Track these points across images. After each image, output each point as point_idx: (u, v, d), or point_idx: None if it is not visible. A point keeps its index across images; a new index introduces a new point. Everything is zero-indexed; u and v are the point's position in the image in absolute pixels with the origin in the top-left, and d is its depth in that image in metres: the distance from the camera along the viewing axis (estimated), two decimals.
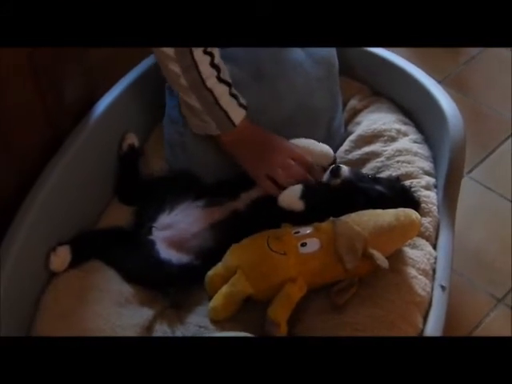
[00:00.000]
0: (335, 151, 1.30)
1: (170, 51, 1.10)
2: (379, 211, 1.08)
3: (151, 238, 1.16)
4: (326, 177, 1.16)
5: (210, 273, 1.10)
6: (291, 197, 1.12)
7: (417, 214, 1.09)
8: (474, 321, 1.33)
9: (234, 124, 1.17)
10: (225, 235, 1.14)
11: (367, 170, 1.25)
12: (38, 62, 1.11)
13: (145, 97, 1.32)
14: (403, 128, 1.31)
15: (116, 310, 1.08)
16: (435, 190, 1.21)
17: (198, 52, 1.10)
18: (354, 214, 1.08)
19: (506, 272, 1.40)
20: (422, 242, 1.14)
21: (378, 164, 1.25)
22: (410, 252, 1.11)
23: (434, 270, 1.11)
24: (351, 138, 1.32)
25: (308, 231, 1.07)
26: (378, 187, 1.13)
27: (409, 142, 1.28)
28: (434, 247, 1.14)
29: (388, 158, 1.25)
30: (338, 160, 1.29)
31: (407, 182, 1.20)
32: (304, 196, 1.11)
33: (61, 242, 1.13)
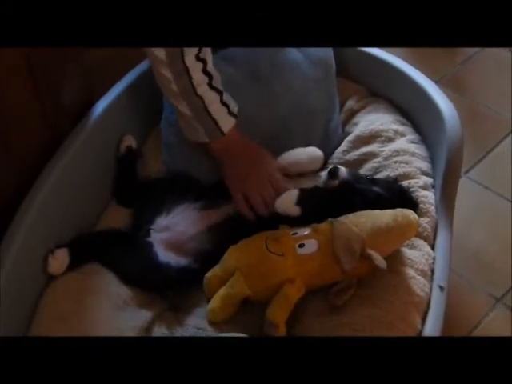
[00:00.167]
0: (332, 152, 1.31)
1: (162, 56, 1.10)
2: (377, 212, 1.08)
3: (149, 240, 1.16)
4: (323, 178, 1.16)
5: (208, 274, 1.10)
6: (287, 202, 1.12)
7: (415, 214, 1.10)
8: (473, 321, 1.33)
9: (222, 132, 1.17)
10: (222, 237, 1.14)
11: (365, 170, 1.26)
12: (36, 64, 1.11)
13: (143, 99, 1.32)
14: (400, 128, 1.31)
15: (114, 313, 1.08)
16: (433, 190, 1.21)
17: (190, 58, 1.10)
18: (351, 215, 1.08)
19: (505, 272, 1.40)
20: (420, 242, 1.14)
21: (376, 164, 1.25)
22: (408, 252, 1.11)
23: (432, 271, 1.11)
24: (348, 138, 1.32)
25: (306, 232, 1.07)
26: (376, 188, 1.13)
27: (406, 142, 1.28)
28: (433, 247, 1.14)
29: (385, 159, 1.25)
30: (335, 161, 1.29)
31: (405, 183, 1.20)
32: (300, 202, 1.11)
33: (59, 244, 1.13)
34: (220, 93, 1.16)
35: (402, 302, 1.05)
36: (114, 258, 1.15)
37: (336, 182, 1.14)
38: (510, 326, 1.32)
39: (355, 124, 1.35)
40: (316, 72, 1.30)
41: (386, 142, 1.28)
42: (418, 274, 1.09)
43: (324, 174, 1.16)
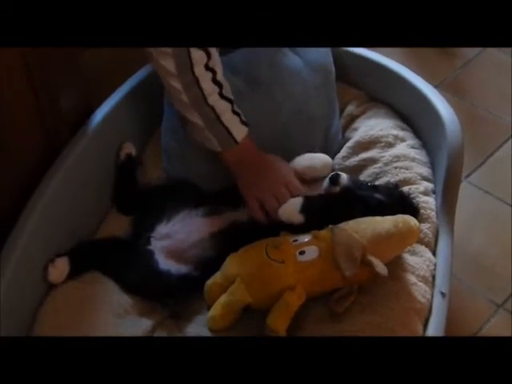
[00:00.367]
0: (332, 158, 1.30)
1: (171, 67, 1.09)
2: (378, 218, 1.08)
3: (150, 248, 1.15)
4: (325, 184, 1.15)
5: (209, 282, 1.10)
6: (291, 210, 1.12)
7: (415, 220, 1.09)
8: (474, 326, 1.32)
9: (236, 141, 1.17)
10: (225, 245, 1.14)
11: (365, 176, 1.25)
12: (35, 73, 1.11)
13: (142, 106, 1.32)
14: (400, 134, 1.31)
15: (115, 322, 1.08)
16: (433, 195, 1.21)
17: (199, 68, 1.10)
18: (352, 222, 1.08)
19: (506, 277, 1.39)
20: (421, 248, 1.13)
21: (376, 170, 1.25)
22: (409, 259, 1.11)
23: (433, 277, 1.10)
24: (348, 144, 1.31)
25: (306, 239, 1.07)
26: (377, 195, 1.13)
27: (406, 147, 1.28)
28: (434, 253, 1.14)
29: (386, 164, 1.25)
30: (335, 167, 1.29)
31: (405, 188, 1.20)
32: (304, 209, 1.11)
33: (59, 252, 1.13)
34: (231, 102, 1.16)
35: (404, 309, 1.04)
36: (114, 266, 1.14)
37: (337, 189, 1.14)
38: (511, 331, 1.31)
39: (355, 129, 1.35)
40: (316, 78, 1.30)
41: (386, 148, 1.28)
42: (420, 281, 1.08)
43: (325, 180, 1.16)
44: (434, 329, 1.04)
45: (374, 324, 1.03)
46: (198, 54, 1.09)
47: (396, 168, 1.24)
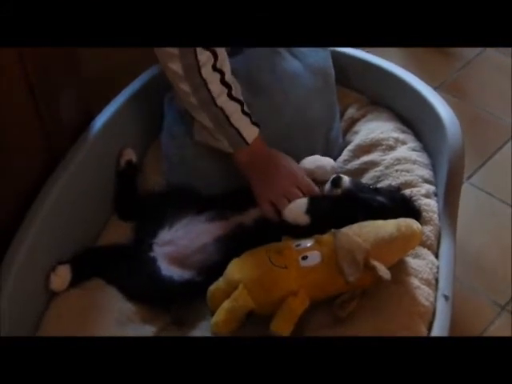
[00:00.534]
0: (334, 161, 1.30)
1: (178, 70, 1.09)
2: (380, 222, 1.08)
3: (152, 254, 1.15)
4: (327, 187, 1.15)
5: (212, 287, 1.10)
6: (297, 211, 1.12)
7: (418, 224, 1.09)
8: (478, 329, 1.32)
9: (246, 142, 1.16)
10: (230, 250, 1.13)
11: (366, 179, 1.25)
12: (34, 81, 1.10)
13: (142, 112, 1.31)
14: (401, 136, 1.30)
15: (118, 329, 1.07)
16: (435, 197, 1.21)
17: (206, 69, 1.10)
18: (355, 226, 1.08)
19: (507, 278, 1.39)
20: (423, 251, 1.13)
21: (377, 173, 1.25)
22: (412, 262, 1.11)
23: (436, 280, 1.10)
24: (349, 147, 1.31)
25: (309, 244, 1.07)
26: (379, 197, 1.13)
27: (407, 150, 1.28)
28: (436, 256, 1.14)
29: (387, 167, 1.25)
30: (337, 170, 1.28)
31: (407, 191, 1.19)
32: (309, 210, 1.11)
33: (61, 260, 1.12)
34: (241, 103, 1.15)
35: (407, 313, 1.04)
36: (116, 273, 1.14)
37: (339, 191, 1.14)
38: None
39: (356, 132, 1.35)
40: (316, 82, 1.30)
41: (387, 151, 1.28)
42: (423, 284, 1.08)
43: (327, 183, 1.16)
44: (438, 332, 1.03)
45: (377, 328, 1.02)
46: (204, 56, 1.09)
47: (397, 171, 1.23)
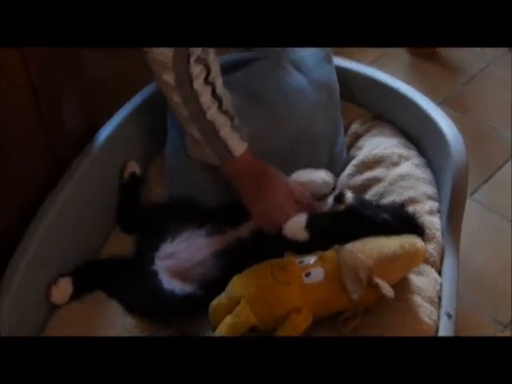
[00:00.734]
0: (337, 176, 1.30)
1: (170, 80, 1.09)
2: (384, 239, 1.07)
3: (154, 268, 1.15)
4: (329, 203, 1.15)
5: (214, 303, 1.09)
6: (296, 227, 1.11)
7: (421, 242, 1.09)
8: None
9: (234, 156, 1.16)
10: (228, 264, 1.13)
11: (370, 195, 1.25)
12: (36, 82, 1.10)
13: (146, 125, 1.31)
14: (405, 152, 1.30)
15: None
16: (439, 214, 1.21)
17: (198, 82, 1.10)
18: (358, 242, 1.07)
19: (508, 295, 1.38)
20: (427, 268, 1.13)
21: (381, 189, 1.25)
22: (415, 279, 1.10)
23: (439, 298, 1.10)
24: (353, 162, 1.31)
25: (312, 261, 1.06)
26: (382, 214, 1.12)
27: (411, 166, 1.28)
28: (439, 273, 1.13)
29: (390, 184, 1.25)
30: (341, 185, 1.28)
31: (411, 208, 1.19)
32: (309, 226, 1.11)
33: (63, 272, 1.12)
34: (231, 117, 1.15)
35: (410, 331, 1.04)
36: (117, 286, 1.14)
37: (342, 207, 1.13)
38: None
39: (360, 148, 1.35)
40: (320, 96, 1.30)
41: (390, 167, 1.27)
42: (426, 302, 1.08)
43: (330, 198, 1.16)
44: None
45: None
46: (197, 69, 1.09)
47: (401, 187, 1.23)
